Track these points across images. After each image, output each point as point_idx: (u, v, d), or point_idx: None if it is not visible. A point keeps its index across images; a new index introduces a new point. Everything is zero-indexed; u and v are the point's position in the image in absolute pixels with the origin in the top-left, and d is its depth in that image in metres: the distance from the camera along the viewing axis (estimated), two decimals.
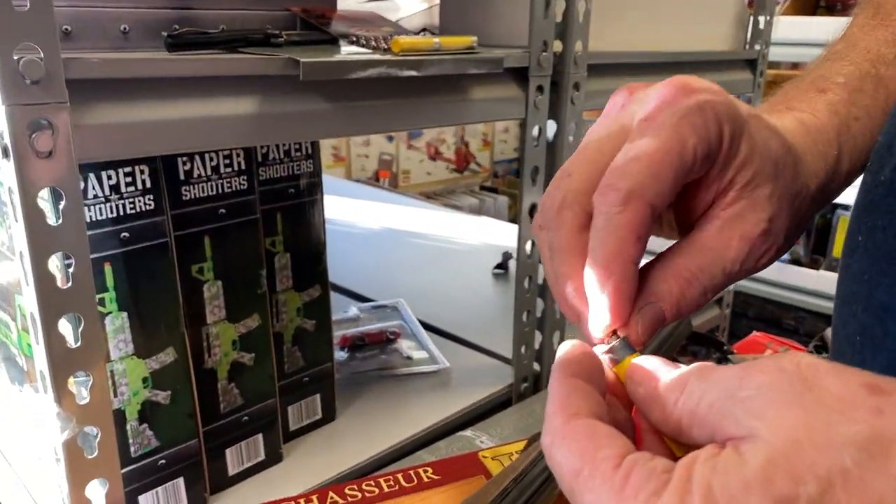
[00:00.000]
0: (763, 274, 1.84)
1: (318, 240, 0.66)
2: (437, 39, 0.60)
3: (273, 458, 0.65)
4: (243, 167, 0.57)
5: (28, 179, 0.41)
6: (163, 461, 0.56)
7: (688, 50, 0.91)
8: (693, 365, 0.24)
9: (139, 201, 0.51)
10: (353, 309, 0.97)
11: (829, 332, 1.09)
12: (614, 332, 0.28)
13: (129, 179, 0.50)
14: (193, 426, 0.57)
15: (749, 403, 0.20)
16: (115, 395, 0.52)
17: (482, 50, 0.64)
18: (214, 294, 0.57)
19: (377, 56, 0.56)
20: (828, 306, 1.77)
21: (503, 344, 0.84)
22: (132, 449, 0.54)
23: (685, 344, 0.95)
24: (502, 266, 1.19)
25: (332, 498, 0.52)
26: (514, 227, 0.80)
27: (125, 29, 0.55)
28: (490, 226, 1.55)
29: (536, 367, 0.83)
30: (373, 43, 0.59)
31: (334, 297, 1.07)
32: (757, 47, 1.02)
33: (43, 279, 0.43)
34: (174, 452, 0.57)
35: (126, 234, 0.51)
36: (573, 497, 0.22)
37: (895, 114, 0.34)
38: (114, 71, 0.44)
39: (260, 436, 0.63)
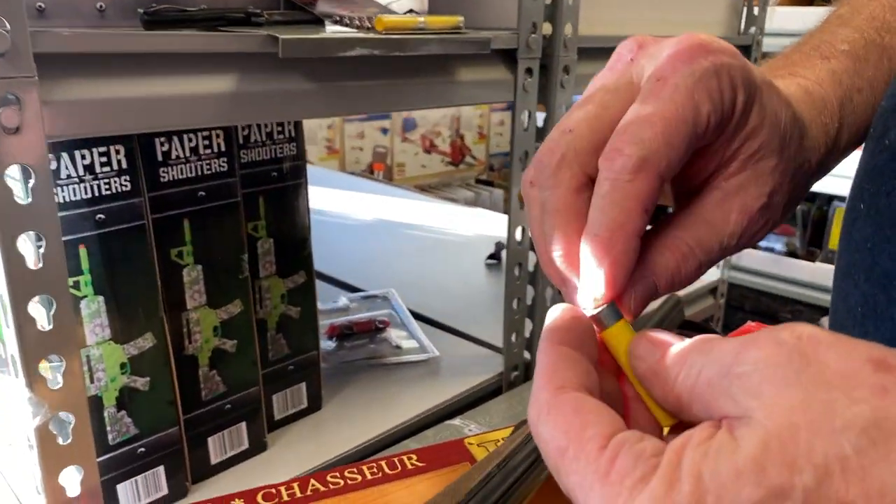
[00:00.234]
0: (759, 266, 1.83)
1: (303, 225, 0.65)
2: (422, 19, 0.58)
3: (257, 447, 0.64)
4: (223, 149, 0.56)
5: None
6: (142, 449, 0.55)
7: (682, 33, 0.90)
8: (695, 338, 0.22)
9: (115, 182, 0.50)
10: (343, 298, 0.96)
11: (824, 321, 1.08)
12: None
13: (103, 159, 0.49)
14: (174, 413, 0.56)
15: (746, 380, 0.19)
16: (92, 381, 0.51)
17: (469, 31, 0.63)
18: (194, 279, 0.56)
19: (360, 35, 0.55)
20: (824, 298, 1.76)
21: (494, 333, 0.83)
22: (110, 436, 0.53)
23: (680, 334, 0.94)
24: (495, 256, 1.18)
25: (313, 486, 0.51)
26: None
27: (101, 7, 0.54)
28: (484, 217, 1.53)
29: (527, 355, 0.82)
30: (356, 22, 0.58)
31: (325, 287, 1.07)
32: (752, 32, 1.01)
33: (12, 259, 0.42)
34: (154, 440, 0.55)
35: (101, 216, 0.49)
36: (558, 476, 0.21)
37: None
38: (85, 45, 0.43)
39: (243, 424, 0.62)
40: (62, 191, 0.47)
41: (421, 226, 1.46)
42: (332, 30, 0.59)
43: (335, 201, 1.58)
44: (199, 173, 0.55)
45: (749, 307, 2.00)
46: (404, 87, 0.61)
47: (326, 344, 0.83)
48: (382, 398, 0.74)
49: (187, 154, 0.54)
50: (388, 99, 0.61)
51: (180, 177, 0.54)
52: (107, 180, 0.49)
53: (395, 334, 0.87)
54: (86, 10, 0.53)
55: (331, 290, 1.04)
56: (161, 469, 0.56)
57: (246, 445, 0.63)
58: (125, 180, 0.50)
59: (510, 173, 0.75)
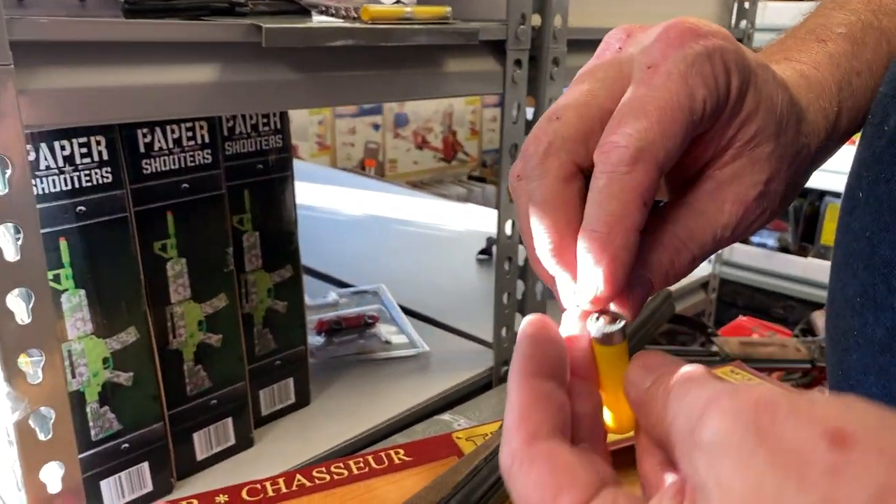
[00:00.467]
0: (751, 262, 1.83)
1: (289, 218, 0.64)
2: (409, 9, 0.58)
3: (244, 442, 0.63)
4: (207, 140, 0.55)
5: None
6: (126, 445, 0.54)
7: None
8: (681, 373, 0.21)
9: (95, 174, 0.49)
10: (333, 294, 0.95)
11: (815, 315, 1.08)
12: (603, 312, 0.25)
13: (84, 150, 0.48)
14: (158, 409, 0.56)
15: (705, 452, 0.18)
16: (74, 376, 0.50)
17: (457, 21, 0.62)
18: (178, 272, 0.55)
19: (345, 24, 0.54)
20: (816, 294, 1.76)
21: (485, 328, 0.83)
22: (92, 432, 0.52)
23: (671, 329, 0.94)
24: (486, 252, 1.17)
25: (299, 481, 0.50)
26: None
27: None
28: (475, 212, 1.53)
29: None
30: (342, 12, 0.57)
31: (315, 282, 1.06)
32: (742, 26, 1.01)
33: None
34: (138, 436, 0.55)
35: (82, 208, 0.49)
36: None
37: None
38: (63, 33, 0.42)
39: (229, 420, 0.62)
40: (41, 182, 0.46)
41: (412, 221, 1.45)
42: (318, 20, 0.58)
43: (326, 197, 1.57)
44: (183, 165, 0.54)
45: (741, 303, 2.00)
46: (391, 78, 0.60)
47: (315, 339, 0.82)
48: (371, 393, 0.74)
49: (170, 145, 0.53)
50: (375, 90, 0.60)
51: (163, 168, 0.53)
52: (87, 172, 0.48)
53: (384, 329, 0.86)
54: (66, 1, 0.52)
55: (321, 285, 1.03)
56: (145, 465, 0.56)
57: (232, 441, 0.62)
58: (106, 172, 0.49)
59: (499, 166, 0.74)
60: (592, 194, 0.25)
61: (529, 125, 0.74)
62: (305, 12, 0.61)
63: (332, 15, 0.58)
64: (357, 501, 0.49)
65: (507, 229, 0.75)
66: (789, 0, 1.82)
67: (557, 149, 0.26)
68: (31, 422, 0.45)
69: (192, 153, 0.54)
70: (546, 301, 0.82)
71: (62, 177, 0.47)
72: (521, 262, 0.78)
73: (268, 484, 0.50)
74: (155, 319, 0.54)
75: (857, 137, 0.37)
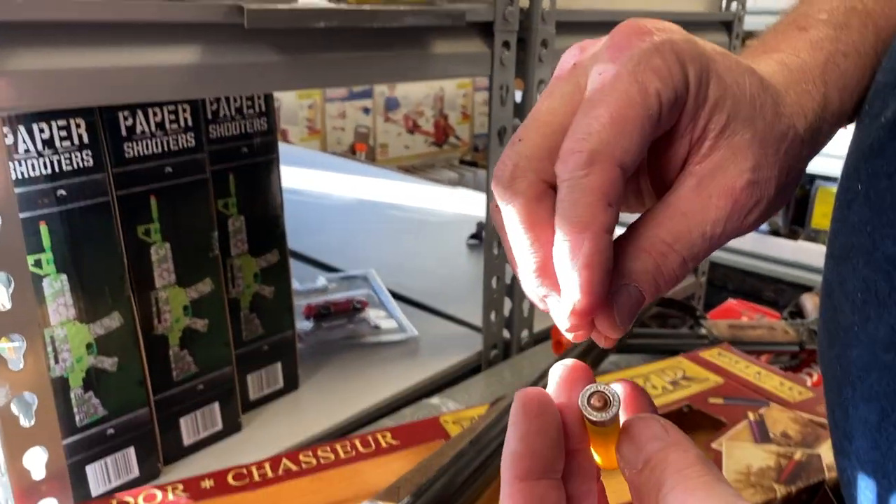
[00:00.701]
0: (741, 245, 1.83)
1: (275, 202, 0.64)
2: None
3: (231, 427, 0.63)
4: (190, 123, 0.54)
5: None
6: (111, 430, 0.54)
7: (661, 10, 0.89)
8: (673, 471, 0.21)
9: (76, 157, 0.48)
10: (322, 279, 0.95)
11: (804, 297, 1.08)
12: (594, 393, 0.23)
13: (63, 133, 0.47)
14: (143, 394, 0.55)
15: None
16: (57, 362, 0.50)
17: (444, 2, 0.62)
18: (163, 257, 0.55)
19: (330, 6, 0.54)
20: (806, 277, 1.76)
21: (474, 313, 0.83)
22: (77, 417, 0.52)
23: (660, 312, 0.94)
24: (477, 236, 1.17)
25: (285, 465, 0.50)
26: None
27: None
28: (467, 197, 1.52)
29: (506, 334, 0.81)
30: None
31: (305, 267, 1.06)
32: (733, 8, 1.00)
33: None
34: (123, 421, 0.54)
35: (63, 192, 0.48)
36: None
37: None
38: (39, 13, 0.42)
39: (216, 405, 0.61)
40: (20, 165, 0.46)
41: (403, 206, 1.45)
42: (303, 1, 0.57)
43: (316, 182, 1.57)
44: (166, 149, 0.53)
45: (732, 286, 2.00)
46: (377, 60, 0.60)
47: (304, 324, 0.82)
48: (360, 378, 0.74)
49: (153, 129, 0.52)
50: (361, 72, 0.59)
51: (146, 152, 0.52)
52: (67, 155, 0.48)
53: (373, 314, 0.86)
54: None
55: (310, 270, 1.03)
56: (132, 450, 0.55)
57: (220, 426, 0.62)
58: (87, 155, 0.49)
59: (488, 149, 0.74)
60: (557, 204, 0.24)
61: (518, 108, 0.73)
62: None
63: None
64: (344, 485, 0.49)
65: None
66: None
67: (524, 169, 0.26)
68: (13, 408, 0.45)
69: (174, 136, 0.54)
70: None
71: (41, 160, 0.47)
72: None
73: (254, 468, 0.50)
74: (139, 304, 0.54)
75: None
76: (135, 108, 0.51)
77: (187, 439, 0.60)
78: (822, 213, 2.05)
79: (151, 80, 0.47)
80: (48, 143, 0.47)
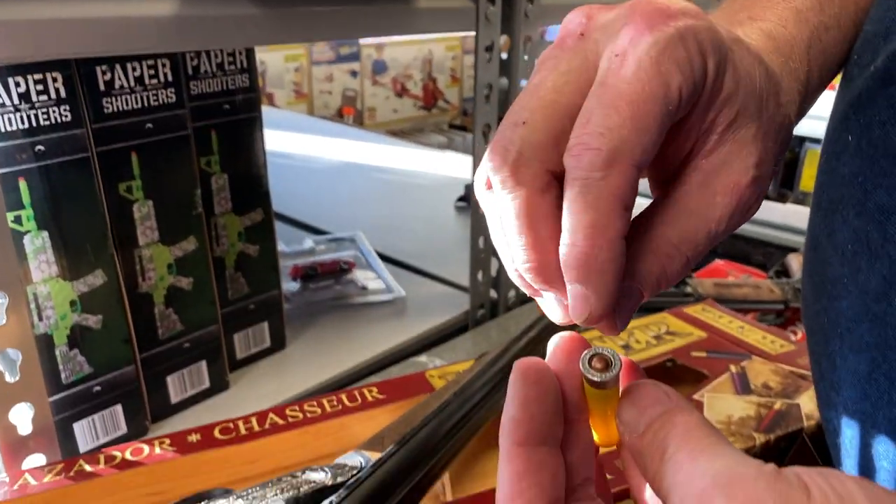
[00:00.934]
0: None
1: (259, 161, 0.63)
2: None
3: (219, 385, 0.63)
4: (170, 79, 0.53)
5: None
6: (98, 388, 0.54)
7: None
8: (676, 432, 0.21)
9: (53, 112, 0.47)
10: (309, 241, 0.94)
11: (790, 257, 1.09)
12: (595, 355, 0.23)
13: (40, 87, 0.46)
14: (129, 352, 0.55)
15: None
16: (41, 319, 0.50)
17: None
18: (145, 214, 0.54)
19: None
20: (795, 240, 1.77)
21: (462, 274, 0.83)
22: (63, 375, 0.52)
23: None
24: (465, 199, 1.17)
25: (272, 419, 0.51)
26: None
27: None
28: (455, 160, 1.52)
29: (493, 293, 0.82)
30: None
31: (292, 230, 1.06)
32: None
33: None
34: (110, 379, 0.55)
35: (41, 148, 0.47)
36: None
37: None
38: None
39: (203, 363, 0.62)
40: None
41: (391, 169, 1.44)
42: None
43: (303, 145, 1.55)
44: (146, 104, 0.53)
45: (721, 249, 2.01)
46: (360, 14, 0.59)
47: (291, 285, 0.82)
48: (348, 337, 0.74)
49: (132, 84, 0.52)
50: (344, 25, 0.58)
51: (125, 108, 0.52)
52: (45, 110, 0.47)
53: (361, 275, 0.86)
54: None
55: (297, 232, 1.03)
56: (119, 408, 0.56)
57: (207, 384, 0.62)
58: (65, 110, 0.48)
59: (474, 108, 0.73)
60: (568, 204, 0.23)
61: (504, 64, 0.73)
62: None
63: None
64: (330, 438, 0.50)
65: None
66: None
67: (529, 158, 0.24)
68: None
69: (154, 92, 0.53)
70: None
71: (18, 115, 0.46)
72: None
73: (240, 423, 0.50)
74: (123, 262, 0.54)
75: (835, 82, 0.36)
76: (113, 63, 0.50)
77: (175, 397, 0.60)
78: (810, 176, 2.06)
79: (129, 31, 0.46)
80: (24, 96, 0.46)
